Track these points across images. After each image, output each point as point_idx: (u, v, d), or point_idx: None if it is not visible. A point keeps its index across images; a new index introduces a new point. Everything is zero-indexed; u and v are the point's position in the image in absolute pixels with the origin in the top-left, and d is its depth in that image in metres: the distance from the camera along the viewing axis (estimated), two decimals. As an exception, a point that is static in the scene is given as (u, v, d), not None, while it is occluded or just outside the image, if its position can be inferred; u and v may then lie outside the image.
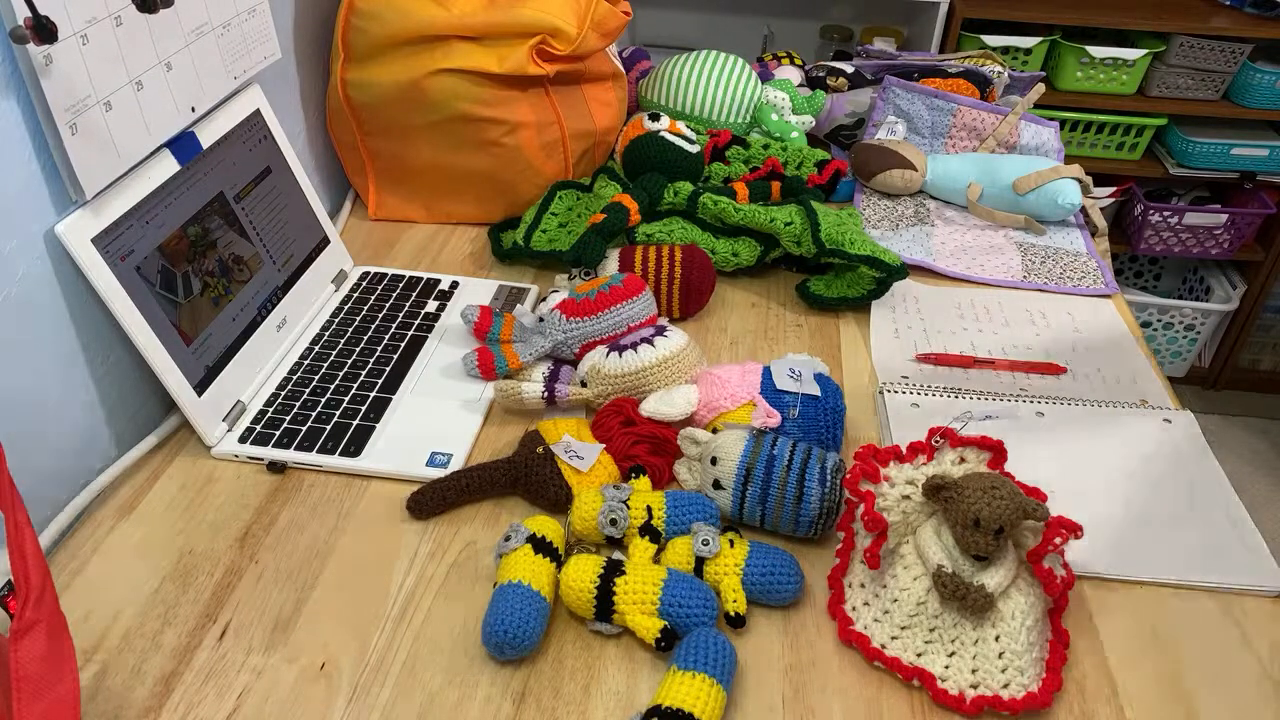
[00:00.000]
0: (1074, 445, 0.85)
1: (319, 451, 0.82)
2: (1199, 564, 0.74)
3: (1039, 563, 0.64)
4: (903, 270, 0.99)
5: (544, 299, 0.95)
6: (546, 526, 0.71)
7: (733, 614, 0.68)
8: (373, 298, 1.03)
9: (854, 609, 0.69)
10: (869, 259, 1.00)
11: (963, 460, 0.69)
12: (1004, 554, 0.66)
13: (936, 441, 0.69)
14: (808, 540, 0.76)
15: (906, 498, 0.68)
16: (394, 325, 0.98)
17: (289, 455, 0.82)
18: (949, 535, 0.66)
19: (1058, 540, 0.64)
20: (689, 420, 0.83)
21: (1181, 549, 0.75)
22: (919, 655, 0.66)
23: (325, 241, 1.04)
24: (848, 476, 0.68)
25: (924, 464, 0.69)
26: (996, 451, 0.68)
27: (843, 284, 1.04)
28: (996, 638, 0.65)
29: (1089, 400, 0.90)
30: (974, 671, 0.65)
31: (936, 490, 0.66)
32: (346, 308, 1.01)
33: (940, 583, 0.64)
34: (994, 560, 0.65)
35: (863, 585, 0.70)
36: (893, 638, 0.67)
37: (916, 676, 0.65)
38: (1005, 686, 0.64)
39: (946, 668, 0.65)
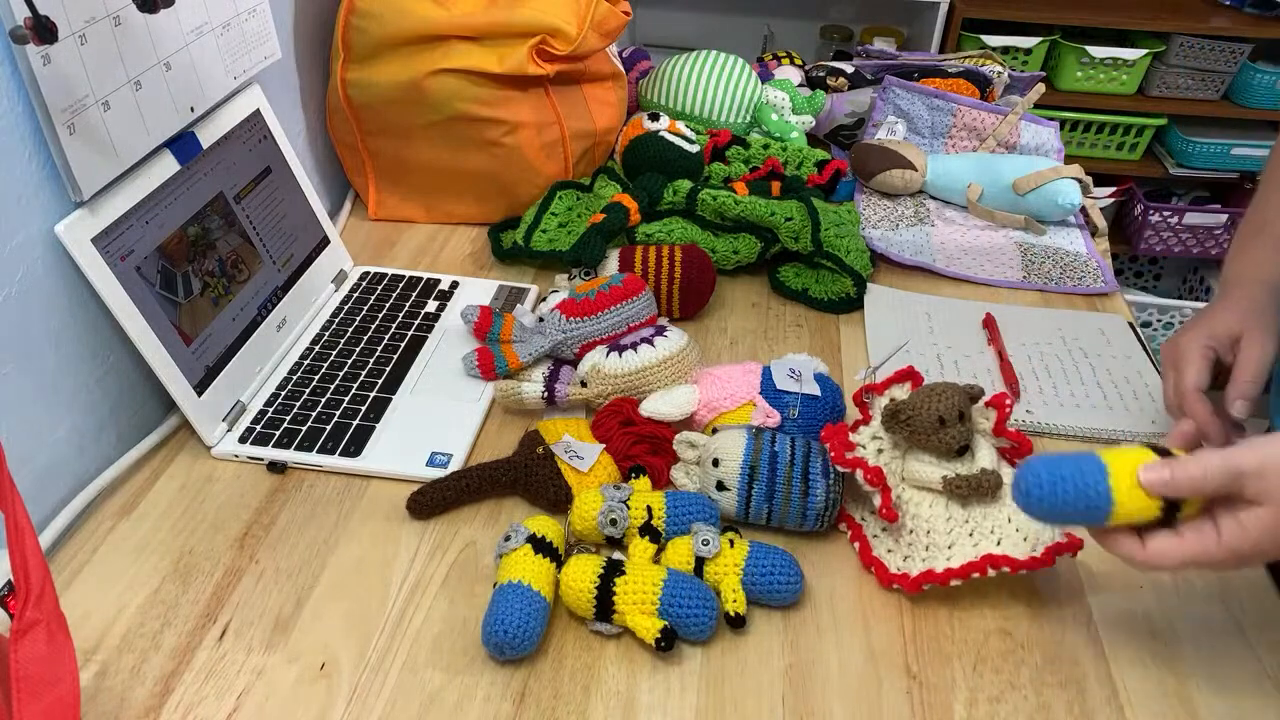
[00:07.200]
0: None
1: (319, 451, 0.82)
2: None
3: (1006, 431, 0.73)
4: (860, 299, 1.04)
5: (544, 299, 0.95)
6: (546, 526, 0.71)
7: (732, 614, 0.68)
8: (373, 298, 1.03)
9: (884, 554, 0.73)
10: (857, 275, 1.02)
11: (893, 399, 0.75)
12: (977, 438, 0.72)
13: (867, 398, 0.77)
14: (811, 537, 0.76)
15: (880, 451, 0.74)
16: (394, 325, 0.98)
17: (289, 455, 0.82)
18: (928, 454, 0.72)
19: (1008, 404, 0.72)
20: (689, 420, 0.83)
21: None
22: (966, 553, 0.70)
23: (325, 241, 1.04)
24: (831, 457, 0.73)
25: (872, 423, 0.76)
26: (912, 377, 0.75)
27: (810, 277, 1.06)
28: (1009, 519, 0.70)
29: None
30: (998, 543, 0.69)
31: (894, 416, 0.72)
32: (346, 308, 1.01)
33: (954, 487, 0.70)
34: (973, 446, 0.72)
35: (882, 533, 0.74)
36: (948, 560, 0.70)
37: (989, 564, 0.68)
38: (1034, 549, 0.68)
39: (975, 546, 0.70)
